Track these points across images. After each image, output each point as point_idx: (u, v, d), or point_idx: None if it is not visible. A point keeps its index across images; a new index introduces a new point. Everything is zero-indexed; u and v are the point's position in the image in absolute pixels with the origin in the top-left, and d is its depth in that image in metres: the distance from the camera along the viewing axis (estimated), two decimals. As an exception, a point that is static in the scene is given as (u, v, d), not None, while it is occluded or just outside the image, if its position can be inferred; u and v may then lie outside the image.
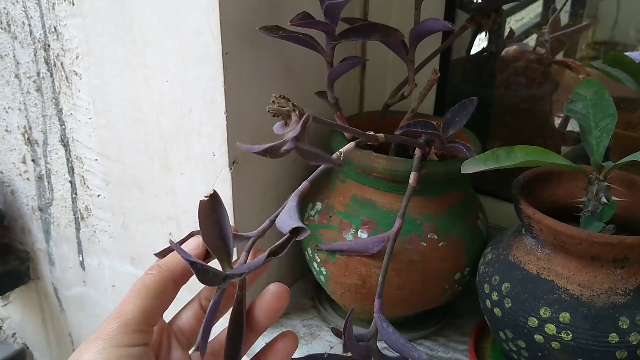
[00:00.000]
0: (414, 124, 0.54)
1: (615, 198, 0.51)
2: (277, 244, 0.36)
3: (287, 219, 0.38)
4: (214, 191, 0.37)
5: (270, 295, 0.40)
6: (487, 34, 0.75)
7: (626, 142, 0.68)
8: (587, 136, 0.53)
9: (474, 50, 0.78)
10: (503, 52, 0.78)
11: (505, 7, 0.65)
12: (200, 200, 0.36)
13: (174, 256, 0.38)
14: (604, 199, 0.51)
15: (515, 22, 0.76)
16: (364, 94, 0.74)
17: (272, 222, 0.41)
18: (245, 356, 0.39)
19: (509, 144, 0.79)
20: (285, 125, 0.35)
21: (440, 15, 0.70)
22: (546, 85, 0.79)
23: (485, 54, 0.78)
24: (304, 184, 0.42)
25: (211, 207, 0.37)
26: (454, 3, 0.69)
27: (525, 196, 0.54)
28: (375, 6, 0.69)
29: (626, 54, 0.72)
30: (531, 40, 0.81)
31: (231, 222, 0.58)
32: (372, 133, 0.46)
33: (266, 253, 0.36)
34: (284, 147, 0.33)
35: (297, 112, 0.35)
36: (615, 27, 0.74)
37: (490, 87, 0.79)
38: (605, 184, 0.51)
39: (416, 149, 0.55)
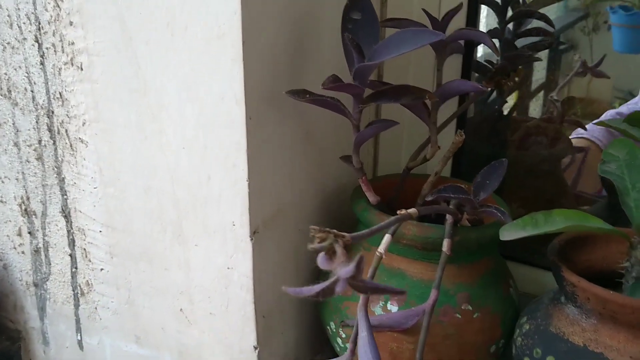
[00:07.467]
0: (445, 189, 0.52)
1: (659, 262, 0.49)
2: None
3: None
4: None
5: None
6: (500, 93, 0.74)
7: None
8: (624, 198, 0.51)
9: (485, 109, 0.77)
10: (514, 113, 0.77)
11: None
12: None
13: None
14: (649, 264, 0.49)
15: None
16: (378, 155, 0.72)
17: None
18: None
19: (526, 204, 0.78)
20: (330, 259, 0.32)
21: (457, 76, 0.69)
22: (558, 144, 0.78)
23: (497, 113, 0.77)
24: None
25: None
26: (470, 64, 0.68)
27: (562, 262, 0.51)
28: (391, 68, 0.68)
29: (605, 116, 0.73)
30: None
31: (251, 296, 0.55)
32: (404, 212, 0.44)
33: None
34: (337, 289, 0.31)
35: (340, 243, 0.32)
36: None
37: (503, 147, 0.78)
38: (650, 247, 0.49)
39: (447, 214, 0.53)
